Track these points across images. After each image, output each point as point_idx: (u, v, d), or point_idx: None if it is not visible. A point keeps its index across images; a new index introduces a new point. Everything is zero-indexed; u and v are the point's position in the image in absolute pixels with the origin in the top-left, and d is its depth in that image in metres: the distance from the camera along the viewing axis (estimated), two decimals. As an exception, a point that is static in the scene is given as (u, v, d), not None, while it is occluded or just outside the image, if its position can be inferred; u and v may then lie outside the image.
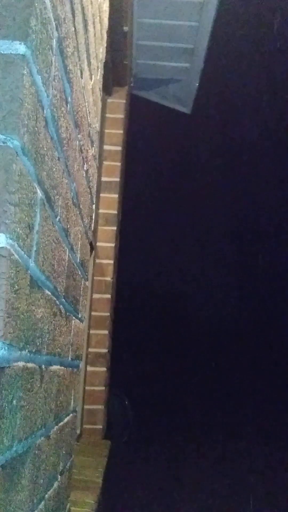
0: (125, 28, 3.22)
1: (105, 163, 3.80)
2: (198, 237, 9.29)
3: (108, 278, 3.73)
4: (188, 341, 8.60)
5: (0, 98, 0.67)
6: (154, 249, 8.91)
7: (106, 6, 1.74)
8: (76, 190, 1.23)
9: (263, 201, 9.33)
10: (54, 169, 0.92)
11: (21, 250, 0.72)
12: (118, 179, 3.83)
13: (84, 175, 1.38)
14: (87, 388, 3.56)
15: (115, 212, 3.80)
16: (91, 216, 1.63)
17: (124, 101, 3.93)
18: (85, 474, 2.52)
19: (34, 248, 0.80)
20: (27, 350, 0.78)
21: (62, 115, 0.97)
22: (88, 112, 1.38)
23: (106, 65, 2.05)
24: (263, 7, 6.43)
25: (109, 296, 3.71)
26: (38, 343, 0.87)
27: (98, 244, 3.71)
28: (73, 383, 1.39)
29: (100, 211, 3.76)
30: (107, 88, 3.74)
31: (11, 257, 0.67)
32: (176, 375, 7.94)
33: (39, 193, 0.81)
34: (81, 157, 1.29)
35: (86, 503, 2.07)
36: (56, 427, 1.11)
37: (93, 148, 1.57)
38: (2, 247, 0.65)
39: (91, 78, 1.42)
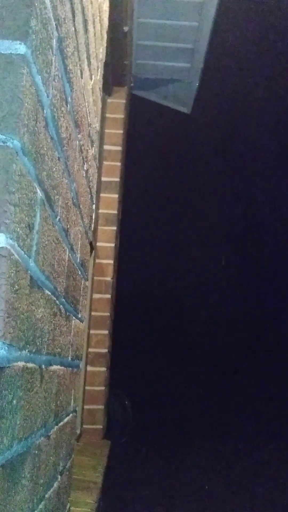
0: (125, 28, 3.22)
1: (105, 163, 3.80)
2: (198, 237, 9.28)
3: (108, 278, 3.73)
4: (188, 341, 8.60)
5: (0, 98, 0.67)
6: (154, 249, 8.91)
7: (106, 6, 1.74)
8: (76, 190, 1.23)
9: (264, 201, 9.33)
10: (54, 169, 0.92)
11: (21, 250, 0.72)
12: (118, 179, 3.83)
13: (84, 175, 1.38)
14: (87, 388, 3.56)
15: (115, 212, 3.80)
16: (91, 216, 1.63)
17: (124, 101, 3.93)
18: (85, 474, 2.52)
19: (34, 248, 0.80)
20: (27, 350, 0.78)
21: (62, 115, 0.97)
22: (88, 112, 1.38)
23: (106, 65, 2.05)
24: (263, 7, 6.43)
25: (109, 296, 3.71)
26: (38, 343, 0.87)
27: (98, 244, 3.71)
28: (73, 383, 1.39)
29: (100, 211, 3.76)
30: (107, 88, 3.74)
31: (11, 257, 0.67)
32: (176, 375, 7.94)
33: (39, 193, 0.81)
34: (81, 157, 1.29)
35: (86, 503, 2.07)
36: (56, 427, 1.11)
37: (93, 148, 1.57)
38: (2, 247, 0.65)
39: (91, 78, 1.42)
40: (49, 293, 0.95)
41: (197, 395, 7.55)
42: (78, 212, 1.28)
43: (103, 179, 3.78)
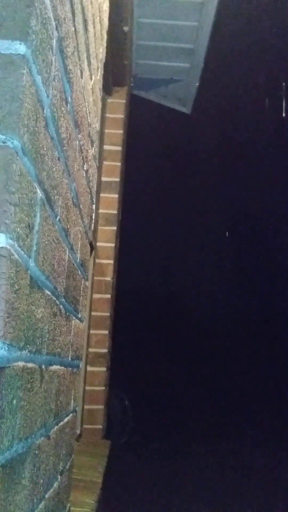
0: (125, 28, 3.22)
1: (105, 163, 3.80)
2: (197, 237, 9.29)
3: (108, 278, 3.73)
4: (188, 341, 8.60)
5: (0, 98, 0.67)
6: (154, 249, 8.91)
7: (106, 6, 1.74)
8: (76, 190, 1.23)
9: (263, 200, 9.33)
10: (54, 169, 0.92)
11: (21, 250, 0.72)
12: (118, 179, 3.83)
13: (84, 175, 1.38)
14: (87, 388, 3.56)
15: (115, 212, 3.80)
16: (91, 216, 1.63)
17: (124, 101, 3.93)
18: (85, 474, 2.51)
19: (34, 248, 0.80)
20: (27, 350, 0.78)
21: (62, 115, 0.97)
22: (88, 112, 1.38)
23: (106, 65, 2.05)
24: (263, 7, 6.43)
25: (109, 296, 3.71)
26: (38, 343, 0.87)
27: (98, 244, 3.71)
28: (73, 383, 1.39)
29: (100, 211, 3.76)
30: (107, 88, 3.74)
31: (11, 257, 0.67)
32: (176, 375, 7.94)
33: (39, 193, 0.81)
34: (81, 157, 1.29)
35: (86, 503, 2.07)
36: (56, 427, 1.11)
37: (93, 148, 1.57)
38: (2, 247, 0.65)
39: (91, 78, 1.42)
40: (49, 293, 0.95)
41: (197, 395, 7.55)
42: (78, 212, 1.28)
43: (103, 179, 3.78)
